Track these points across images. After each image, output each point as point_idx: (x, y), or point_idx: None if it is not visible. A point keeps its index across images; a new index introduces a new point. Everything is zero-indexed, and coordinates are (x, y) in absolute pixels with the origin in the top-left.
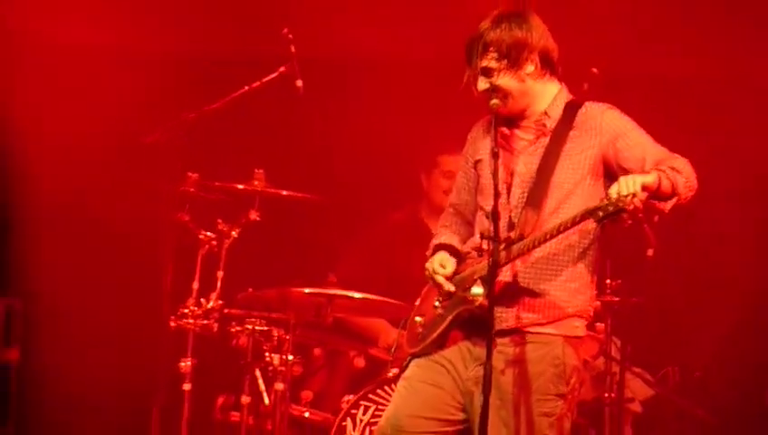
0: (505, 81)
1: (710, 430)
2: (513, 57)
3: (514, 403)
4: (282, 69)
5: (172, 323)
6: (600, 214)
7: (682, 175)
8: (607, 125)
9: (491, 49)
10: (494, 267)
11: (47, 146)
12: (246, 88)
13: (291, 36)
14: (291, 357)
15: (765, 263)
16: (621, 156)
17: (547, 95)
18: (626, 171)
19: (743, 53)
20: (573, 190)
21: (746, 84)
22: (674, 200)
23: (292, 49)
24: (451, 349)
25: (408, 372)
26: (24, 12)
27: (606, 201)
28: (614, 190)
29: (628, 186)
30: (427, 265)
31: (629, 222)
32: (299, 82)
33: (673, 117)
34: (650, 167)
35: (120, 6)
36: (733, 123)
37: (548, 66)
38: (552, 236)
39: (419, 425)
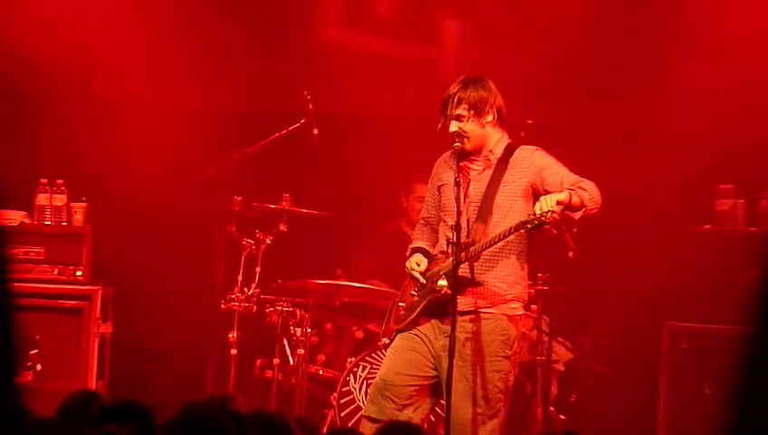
0: (470, 126)
1: (611, 382)
2: (477, 109)
3: (472, 364)
4: (302, 121)
5: (222, 306)
6: (528, 226)
7: (587, 192)
8: (535, 162)
9: (462, 102)
10: (456, 266)
11: (135, 175)
12: (276, 135)
13: (309, 97)
14: (309, 330)
15: (652, 266)
16: (546, 183)
17: (494, 139)
18: (549, 193)
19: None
20: (510, 209)
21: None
22: (582, 211)
23: (310, 106)
24: (425, 325)
25: (394, 343)
26: (111, 78)
27: (532, 216)
28: (537, 207)
29: (546, 204)
30: (407, 263)
31: (554, 231)
32: (315, 131)
33: (585, 156)
34: (565, 188)
35: (179, 73)
36: (630, 159)
37: (499, 117)
38: (495, 242)
39: (403, 380)
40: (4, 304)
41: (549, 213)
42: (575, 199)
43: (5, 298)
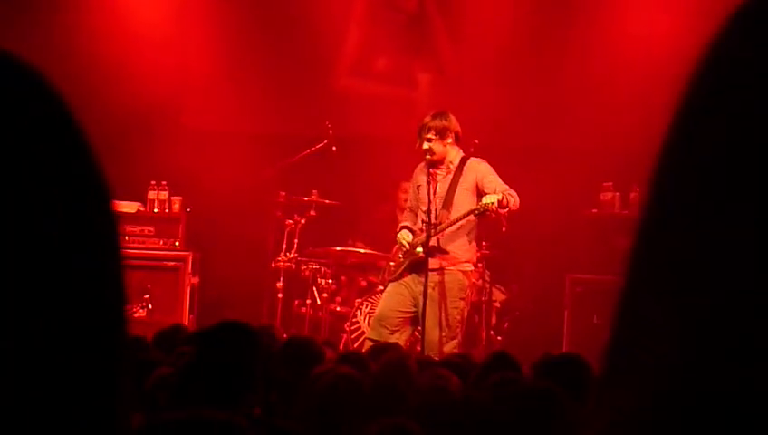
0: (437, 145)
1: (532, 314)
2: (442, 134)
3: (439, 303)
4: (325, 142)
5: (272, 265)
6: (476, 212)
7: (513, 197)
8: (479, 170)
9: (431, 129)
10: (428, 238)
11: (213, 178)
12: (308, 151)
13: (329, 126)
14: (330, 281)
15: (559, 237)
16: (485, 186)
17: (453, 153)
18: (486, 193)
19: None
20: (464, 201)
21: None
22: (507, 210)
23: (330, 132)
24: (408, 277)
25: (387, 289)
26: (193, 113)
27: (479, 206)
28: (483, 201)
29: (488, 199)
30: (397, 235)
31: (493, 216)
32: (334, 148)
33: (513, 164)
34: (499, 192)
35: (240, 108)
36: (543, 167)
37: (456, 139)
38: (454, 223)
39: (393, 314)
40: (118, 266)
41: (490, 204)
42: (504, 201)
43: (118, 261)
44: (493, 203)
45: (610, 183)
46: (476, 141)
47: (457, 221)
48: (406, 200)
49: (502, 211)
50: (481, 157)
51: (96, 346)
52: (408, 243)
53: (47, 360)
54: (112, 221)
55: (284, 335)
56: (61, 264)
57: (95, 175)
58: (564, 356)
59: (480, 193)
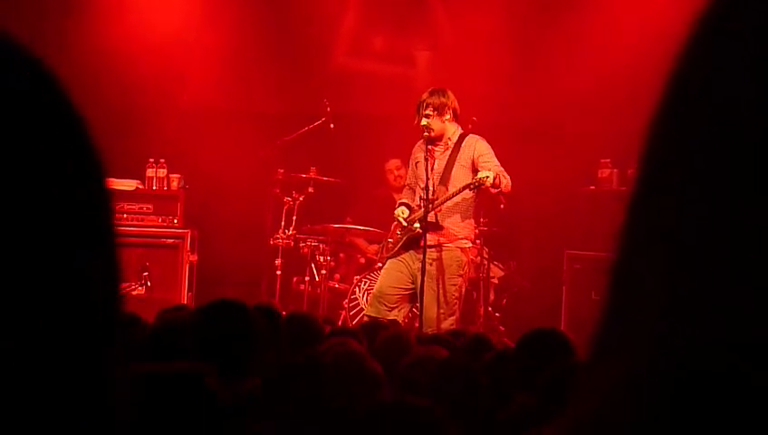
0: (435, 122)
1: (530, 291)
2: (440, 110)
3: (437, 280)
4: (323, 119)
5: (271, 242)
6: (471, 187)
7: (506, 179)
8: (477, 148)
9: (429, 105)
10: (426, 214)
11: (211, 156)
12: (306, 128)
13: (327, 103)
14: (328, 258)
15: (557, 214)
16: (480, 165)
17: (451, 130)
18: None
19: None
20: (461, 177)
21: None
22: (498, 190)
23: (328, 109)
24: (405, 254)
25: (385, 266)
26: (193, 92)
27: (474, 180)
28: (478, 175)
29: (483, 174)
30: (395, 212)
31: (493, 191)
32: (332, 125)
33: (513, 141)
34: (492, 171)
35: (239, 86)
36: (542, 144)
37: (455, 115)
38: (450, 198)
39: (391, 291)
40: (114, 243)
41: (484, 178)
42: (497, 181)
43: (114, 238)
44: (487, 177)
45: (608, 160)
46: (474, 118)
47: (453, 196)
48: (395, 179)
49: (493, 190)
50: (479, 134)
51: (91, 330)
52: (405, 219)
53: (41, 342)
54: (107, 201)
55: (283, 312)
56: (55, 244)
57: (90, 152)
58: (543, 331)
59: (476, 171)
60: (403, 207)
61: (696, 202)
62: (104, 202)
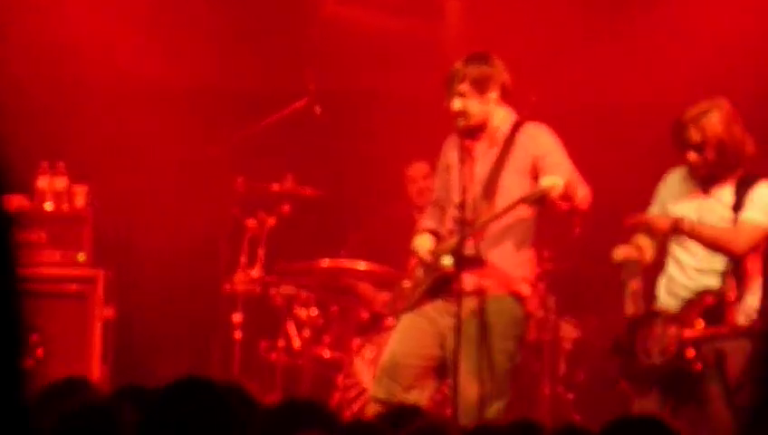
0: (474, 104)
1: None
2: (482, 86)
3: (478, 344)
4: (304, 100)
5: (226, 288)
6: (531, 199)
7: (583, 190)
8: (541, 144)
9: (465, 79)
10: (461, 242)
11: (137, 156)
12: (279, 113)
13: (311, 74)
14: (315, 312)
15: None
16: (545, 169)
17: (500, 116)
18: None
19: None
20: (516, 186)
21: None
22: (573, 204)
23: (312, 84)
24: (431, 305)
25: (400, 323)
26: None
27: (535, 191)
28: (541, 183)
29: (549, 182)
30: (414, 243)
31: (562, 207)
32: (318, 109)
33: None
34: (564, 178)
35: (179, 52)
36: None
37: (505, 94)
38: (499, 217)
39: (410, 360)
40: (12, 291)
41: (549, 187)
42: (569, 191)
43: (13, 285)
44: (555, 187)
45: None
46: (534, 98)
47: (505, 213)
48: (419, 193)
49: (564, 206)
50: (542, 122)
51: None
52: (431, 252)
53: None
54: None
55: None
56: None
57: None
58: (637, 420)
59: (537, 177)
60: (427, 235)
61: None
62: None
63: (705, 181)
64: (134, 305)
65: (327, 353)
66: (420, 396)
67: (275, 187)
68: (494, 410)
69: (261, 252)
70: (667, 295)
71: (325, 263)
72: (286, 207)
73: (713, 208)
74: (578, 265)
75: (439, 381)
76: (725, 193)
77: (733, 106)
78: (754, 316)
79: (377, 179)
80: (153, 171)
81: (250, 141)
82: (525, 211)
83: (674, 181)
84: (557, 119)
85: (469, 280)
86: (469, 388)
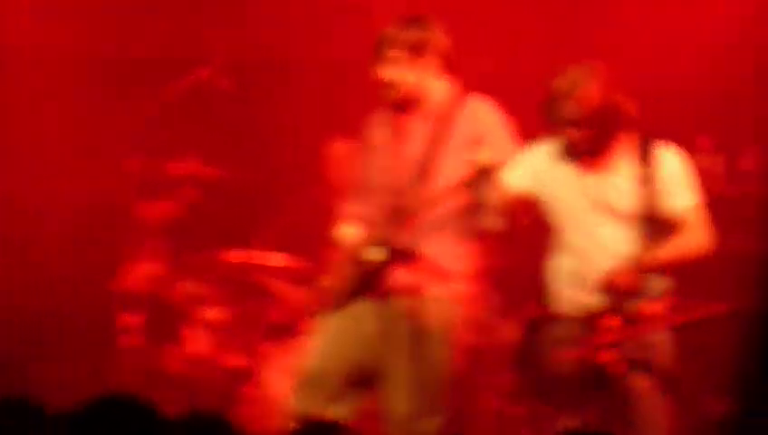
0: (407, 73)
1: None
2: (417, 52)
3: (412, 350)
4: (209, 70)
5: (117, 285)
6: (472, 183)
7: None
8: (485, 121)
9: (398, 44)
10: (391, 234)
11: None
12: (180, 85)
13: (218, 42)
14: (220, 312)
15: None
16: (488, 148)
17: (436, 88)
18: None
19: None
20: (453, 168)
21: None
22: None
23: (219, 55)
24: (356, 305)
25: (321, 326)
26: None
27: (476, 168)
28: (479, 160)
29: (486, 155)
30: (336, 233)
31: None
32: (226, 80)
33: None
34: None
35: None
36: None
37: (443, 62)
38: (435, 204)
39: (333, 369)
40: None
41: (488, 162)
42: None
43: None
44: (494, 161)
45: (707, 138)
46: (480, 69)
47: (441, 200)
48: (344, 176)
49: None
50: (488, 96)
51: None
52: (356, 244)
53: None
54: None
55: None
56: None
57: None
58: None
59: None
60: (352, 224)
61: None
62: None
63: (590, 157)
64: (10, 305)
65: (235, 361)
66: (344, 410)
67: (176, 167)
68: (428, 426)
69: (159, 243)
70: (574, 289)
71: (233, 256)
72: (189, 191)
73: (616, 186)
74: (525, 260)
75: (366, 392)
76: (624, 166)
77: (608, 68)
78: (671, 301)
79: (294, 160)
80: (28, 149)
81: (149, 117)
82: (464, 198)
83: (544, 159)
84: (506, 94)
85: (401, 276)
86: (400, 401)
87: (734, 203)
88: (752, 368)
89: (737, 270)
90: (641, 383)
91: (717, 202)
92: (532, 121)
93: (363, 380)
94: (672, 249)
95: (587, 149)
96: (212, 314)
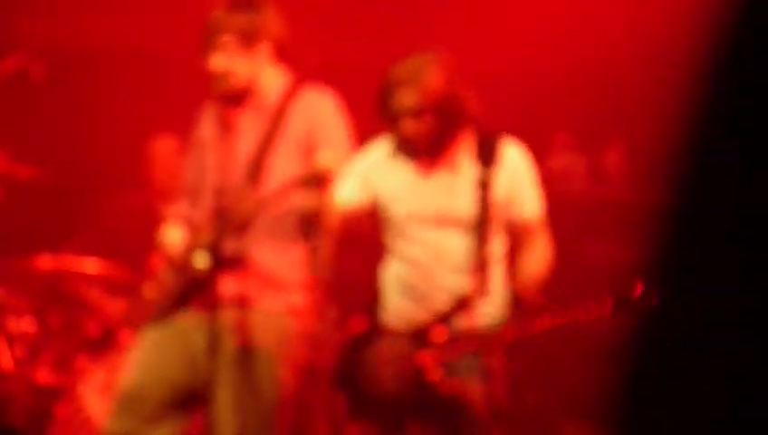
0: (238, 61)
1: None
2: (248, 38)
3: (241, 367)
4: (20, 60)
5: None
6: (307, 181)
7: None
8: (319, 113)
9: (228, 29)
10: (218, 238)
11: None
12: None
13: (28, 27)
14: (29, 323)
15: None
16: (322, 144)
17: (270, 78)
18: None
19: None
20: (287, 166)
21: None
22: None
23: (30, 39)
24: (181, 317)
25: (142, 340)
26: None
27: (313, 170)
28: (319, 161)
29: (327, 159)
30: (159, 236)
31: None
32: (37, 70)
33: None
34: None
35: None
36: None
37: (279, 51)
38: (266, 205)
39: (153, 388)
40: None
41: (327, 166)
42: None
43: None
44: (334, 165)
45: (563, 134)
46: (319, 57)
47: (273, 200)
48: (168, 175)
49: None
50: (326, 86)
51: None
52: (181, 249)
53: None
54: None
55: None
56: None
57: None
58: None
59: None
60: (176, 227)
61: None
62: None
63: (429, 156)
64: None
65: (45, 376)
66: (165, 433)
67: None
68: None
69: None
70: (406, 301)
71: (44, 262)
72: None
73: (456, 189)
74: (365, 267)
75: (190, 413)
76: (465, 166)
77: (452, 56)
78: (507, 313)
79: (112, 158)
80: None
81: None
82: (299, 196)
83: (380, 161)
84: (346, 85)
85: (229, 285)
86: (227, 424)
87: (597, 204)
88: (615, 390)
89: (598, 275)
90: (471, 402)
91: (578, 203)
92: (368, 116)
93: (187, 400)
94: (533, 269)
95: (426, 148)
96: (21, 324)
